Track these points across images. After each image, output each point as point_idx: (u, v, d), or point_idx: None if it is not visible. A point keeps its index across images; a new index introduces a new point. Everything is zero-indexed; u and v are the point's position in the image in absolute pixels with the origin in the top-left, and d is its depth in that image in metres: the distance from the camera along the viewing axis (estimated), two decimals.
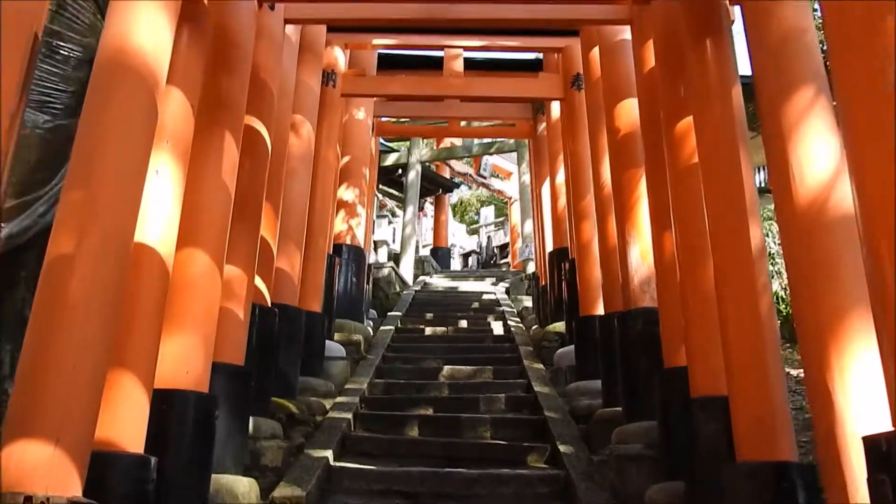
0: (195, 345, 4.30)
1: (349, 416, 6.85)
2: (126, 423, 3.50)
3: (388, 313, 12.90)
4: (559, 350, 8.89)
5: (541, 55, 10.90)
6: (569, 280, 9.02)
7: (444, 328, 11.76)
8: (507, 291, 16.98)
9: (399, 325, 12.07)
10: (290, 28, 6.71)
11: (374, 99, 11.63)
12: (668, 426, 4.84)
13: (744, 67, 4.24)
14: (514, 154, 27.48)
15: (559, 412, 7.10)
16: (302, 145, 7.27)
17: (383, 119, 13.77)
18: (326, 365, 8.12)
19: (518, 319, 12.69)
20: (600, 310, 7.90)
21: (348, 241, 10.24)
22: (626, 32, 6.49)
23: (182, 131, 4.09)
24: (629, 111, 6.26)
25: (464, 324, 12.34)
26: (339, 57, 9.08)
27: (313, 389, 7.43)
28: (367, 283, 12.54)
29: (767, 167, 3.69)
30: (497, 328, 12.04)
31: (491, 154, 22.69)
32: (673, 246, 5.03)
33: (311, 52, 7.71)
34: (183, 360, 4.20)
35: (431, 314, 13.13)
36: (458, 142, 22.85)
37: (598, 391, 7.24)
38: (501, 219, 32.24)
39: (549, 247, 10.91)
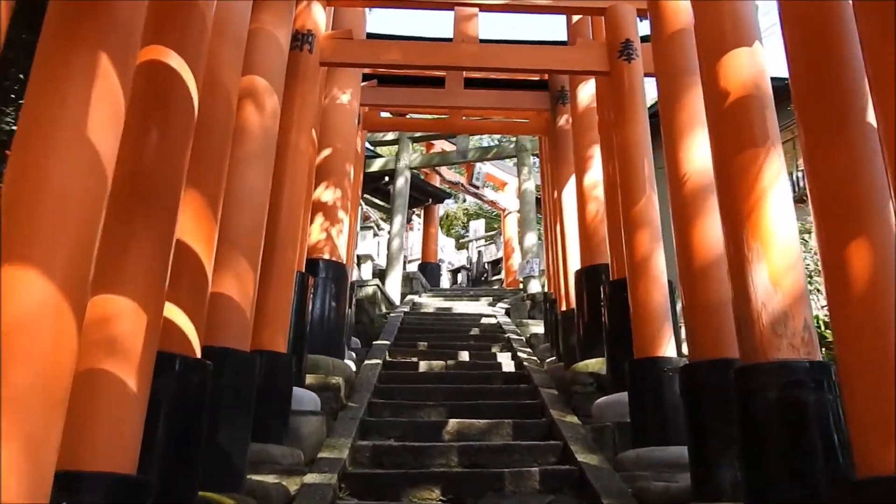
0: (17, 452, 2.17)
1: None
2: None
3: (374, 342, 10.77)
4: (600, 399, 6.78)
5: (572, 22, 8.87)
6: (612, 307, 6.93)
7: (441, 362, 9.63)
8: (508, 314, 14.91)
9: (387, 357, 9.94)
10: None
11: (362, 83, 9.62)
12: None
13: None
14: (509, 163, 25.59)
15: (622, 498, 5.00)
16: (261, 120, 5.15)
17: (370, 110, 11.64)
18: (294, 422, 5.98)
19: (529, 350, 10.60)
20: (667, 350, 5.87)
21: (326, 256, 8.13)
22: None
23: None
24: (748, 63, 4.20)
25: (465, 356, 10.22)
26: (318, 15, 6.99)
27: (273, 462, 5.29)
28: (350, 306, 10.44)
29: None
30: (506, 362, 9.93)
31: (488, 160, 20.66)
32: (869, 260, 2.96)
33: None
34: None
35: (425, 343, 11.00)
36: (448, 148, 20.84)
37: (671, 464, 5.24)
38: (493, 232, 30.18)
39: (575, 263, 8.83)
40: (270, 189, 6.17)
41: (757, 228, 3.90)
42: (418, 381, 8.66)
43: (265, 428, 5.41)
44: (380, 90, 10.16)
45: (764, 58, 4.29)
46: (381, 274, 17.96)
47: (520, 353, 10.09)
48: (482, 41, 7.15)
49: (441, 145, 21.34)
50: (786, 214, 3.93)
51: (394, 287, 17.06)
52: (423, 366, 9.56)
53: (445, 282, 27.22)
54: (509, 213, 24.15)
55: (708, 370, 4.53)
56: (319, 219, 8.17)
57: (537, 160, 21.27)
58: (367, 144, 19.62)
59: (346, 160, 8.60)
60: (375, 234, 20.58)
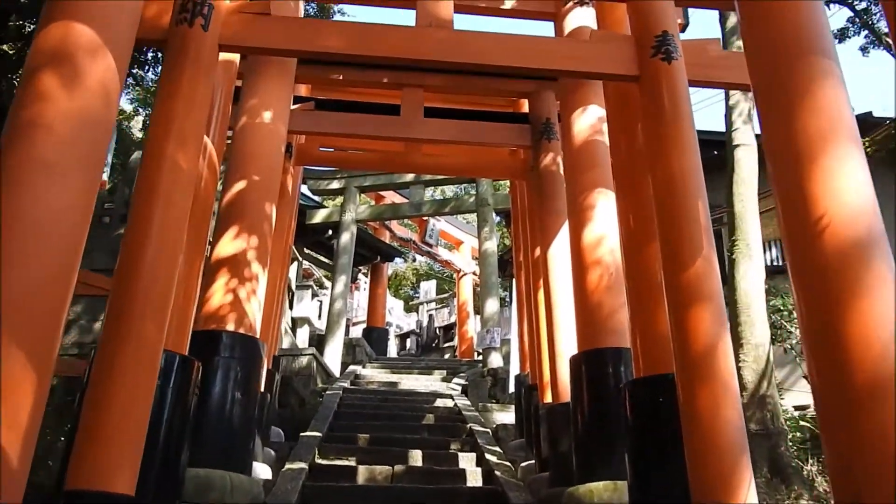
0: None
1: None
2: None
3: (302, 434, 8.39)
4: None
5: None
6: (640, 415, 4.72)
7: (386, 468, 7.30)
8: (465, 392, 12.66)
9: (316, 459, 7.62)
10: None
11: (294, 106, 7.49)
12: None
13: None
14: (464, 221, 23.56)
15: None
16: (70, 99, 2.91)
17: (306, 141, 9.44)
18: None
19: (499, 451, 8.31)
20: (746, 495, 3.68)
21: (230, 326, 5.81)
22: None
23: None
24: None
25: (417, 458, 7.90)
26: None
27: None
28: (271, 388, 8.13)
29: None
30: (471, 469, 7.62)
31: (444, 214, 18.57)
32: None
33: None
34: None
35: (366, 435, 8.66)
36: (400, 201, 18.74)
37: None
38: (446, 295, 28.01)
39: (567, 343, 6.65)
40: (131, 225, 3.99)
41: None
42: (355, 503, 6.32)
43: None
44: (317, 116, 7.99)
45: None
46: (320, 340, 15.64)
47: (488, 456, 7.82)
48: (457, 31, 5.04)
49: (392, 198, 19.25)
50: None
51: (334, 356, 14.75)
52: (362, 473, 7.24)
53: (393, 348, 24.85)
54: (465, 274, 22.11)
55: None
56: (223, 276, 5.88)
57: (499, 217, 19.35)
58: (309, 193, 17.48)
59: (266, 198, 6.34)
60: (315, 295, 18.21)
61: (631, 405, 4.83)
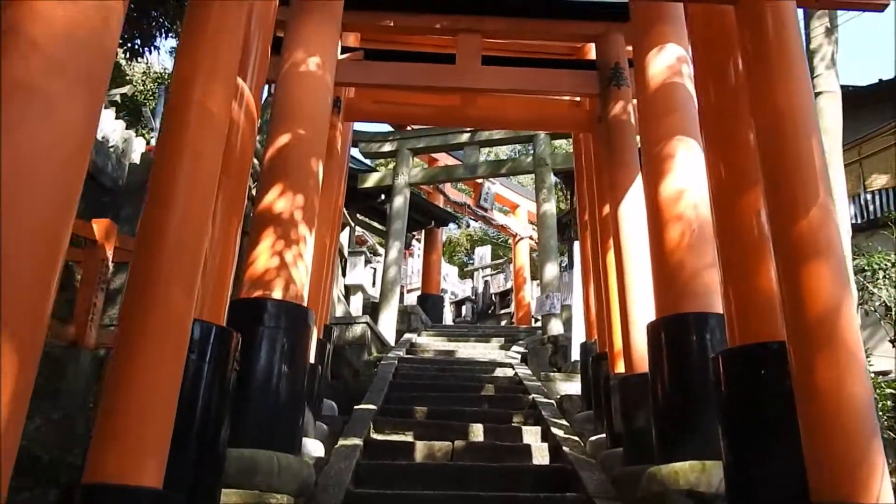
0: None
1: None
2: None
3: (356, 407, 7.95)
4: None
5: None
6: (737, 390, 4.12)
7: (446, 444, 6.84)
8: (525, 360, 12.12)
9: (371, 434, 7.18)
10: None
11: (342, 56, 6.98)
12: None
13: None
14: (516, 183, 22.89)
15: None
16: (71, 5, 2.40)
17: (355, 94, 8.91)
18: None
19: (565, 424, 7.76)
20: (881, 493, 3.08)
21: (277, 294, 5.34)
22: None
23: None
24: None
25: (478, 432, 7.41)
26: None
27: None
28: (323, 359, 7.73)
29: None
30: (536, 444, 7.09)
31: (500, 175, 17.90)
32: None
33: None
34: None
35: (423, 408, 8.17)
36: (453, 163, 18.14)
37: None
38: (501, 260, 27.40)
39: (643, 309, 6.04)
40: (154, 181, 3.50)
41: None
42: (412, 483, 5.84)
43: None
44: (367, 66, 7.45)
45: None
46: (374, 308, 15.22)
47: (554, 430, 7.28)
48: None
49: (445, 160, 18.66)
50: None
51: (388, 324, 14.31)
52: (420, 449, 6.79)
53: (448, 315, 24.41)
54: (521, 238, 21.44)
55: None
56: (267, 239, 5.41)
57: (556, 179, 18.62)
58: (361, 156, 17.00)
59: (313, 153, 5.84)
60: (368, 261, 17.78)
61: (726, 378, 4.21)
